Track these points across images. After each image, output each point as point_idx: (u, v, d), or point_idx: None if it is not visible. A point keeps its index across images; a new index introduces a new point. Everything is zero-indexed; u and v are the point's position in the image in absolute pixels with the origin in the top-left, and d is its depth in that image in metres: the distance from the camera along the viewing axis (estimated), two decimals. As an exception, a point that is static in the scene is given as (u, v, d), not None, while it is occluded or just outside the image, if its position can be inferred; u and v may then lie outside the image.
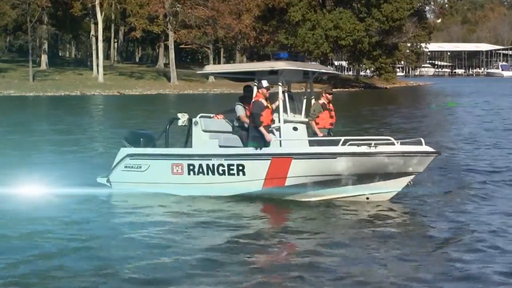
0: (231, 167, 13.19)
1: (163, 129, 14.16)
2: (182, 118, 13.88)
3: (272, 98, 13.44)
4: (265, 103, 13.14)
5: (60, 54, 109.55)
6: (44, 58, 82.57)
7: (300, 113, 13.90)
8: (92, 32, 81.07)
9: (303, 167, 12.76)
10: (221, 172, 13.27)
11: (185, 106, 51.72)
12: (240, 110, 14.04)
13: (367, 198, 12.92)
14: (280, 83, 13.49)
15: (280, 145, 13.13)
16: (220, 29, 79.70)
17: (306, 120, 13.86)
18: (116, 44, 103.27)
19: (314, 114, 13.88)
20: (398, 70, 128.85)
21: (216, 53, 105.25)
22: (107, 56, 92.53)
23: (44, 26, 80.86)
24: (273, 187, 12.95)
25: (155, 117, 35.59)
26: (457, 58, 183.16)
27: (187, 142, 14.03)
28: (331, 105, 14.29)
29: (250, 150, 13.11)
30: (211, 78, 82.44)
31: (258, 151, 12.99)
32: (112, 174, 14.19)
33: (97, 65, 77.50)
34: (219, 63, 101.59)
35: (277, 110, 13.35)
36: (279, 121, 13.28)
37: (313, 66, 15.54)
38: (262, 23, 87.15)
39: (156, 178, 13.70)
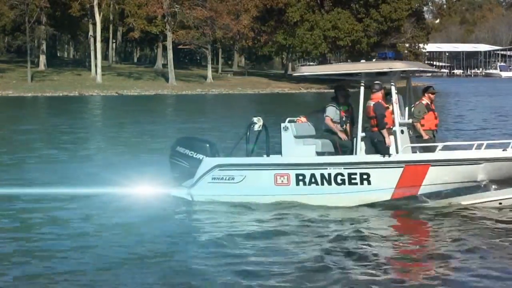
0: (353, 176, 12.24)
1: (241, 136, 13.13)
2: (258, 123, 12.83)
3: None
4: (385, 104, 12.52)
5: (58, 54, 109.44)
6: (43, 58, 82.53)
7: (403, 115, 13.06)
8: (91, 33, 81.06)
9: (441, 174, 12.02)
10: (339, 181, 12.28)
11: (185, 106, 51.76)
12: (332, 112, 13.17)
13: (500, 204, 12.25)
14: (393, 84, 12.79)
15: (397, 151, 12.20)
16: (219, 30, 79.71)
17: (410, 121, 13.16)
18: (114, 44, 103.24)
19: (419, 115, 13.37)
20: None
21: (215, 54, 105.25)
22: (105, 57, 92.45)
23: (42, 27, 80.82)
24: (404, 196, 12.13)
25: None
26: (455, 58, 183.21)
27: (253, 150, 13.05)
28: (433, 105, 13.81)
29: (377, 157, 12.19)
30: (209, 79, 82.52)
31: (387, 159, 12.10)
32: (195, 187, 12.91)
33: (96, 66, 77.51)
34: (217, 63, 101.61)
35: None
36: (393, 125, 12.44)
37: (420, 65, 14.84)
38: (260, 23, 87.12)
39: (254, 190, 12.57)
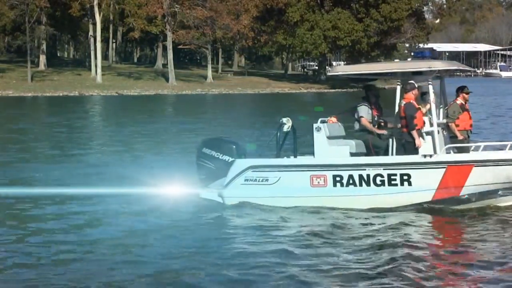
0: (393, 177, 12.06)
1: (273, 136, 12.94)
2: (287, 124, 12.68)
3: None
4: (417, 105, 12.41)
5: (58, 54, 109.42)
6: (43, 58, 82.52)
7: (438, 115, 12.90)
8: (91, 33, 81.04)
9: (484, 175, 11.88)
10: (379, 182, 12.11)
11: (186, 106, 51.77)
12: (365, 112, 12.99)
13: None
14: (430, 83, 12.59)
15: (435, 152, 12.09)
16: (219, 30, 79.70)
17: (444, 122, 13.08)
18: (114, 44, 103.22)
19: (454, 115, 13.26)
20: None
21: (215, 54, 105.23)
22: (105, 57, 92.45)
23: (42, 27, 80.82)
24: (445, 197, 12.00)
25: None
26: (455, 58, 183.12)
27: (281, 150, 12.86)
28: (467, 105, 13.69)
29: (417, 158, 12.05)
30: (209, 79, 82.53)
31: (428, 159, 11.95)
32: (227, 188, 12.69)
33: (96, 66, 77.51)
34: (217, 63, 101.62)
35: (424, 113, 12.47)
36: (430, 125, 12.32)
37: (458, 65, 14.63)
38: (260, 23, 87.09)
39: (289, 192, 12.37)
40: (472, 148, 12.51)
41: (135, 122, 34.40)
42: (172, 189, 13.28)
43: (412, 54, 17.50)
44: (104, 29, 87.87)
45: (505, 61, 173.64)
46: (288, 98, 67.98)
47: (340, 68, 14.28)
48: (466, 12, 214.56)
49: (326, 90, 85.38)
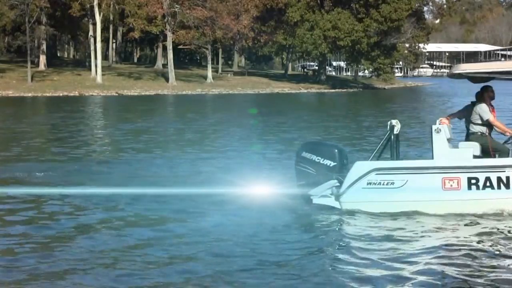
0: None
1: (384, 139, 12.32)
2: (397, 126, 12.14)
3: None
4: None
5: (58, 54, 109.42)
6: (43, 58, 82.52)
7: None
8: (91, 33, 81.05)
9: None
10: None
11: (186, 106, 51.77)
12: (488, 113, 12.37)
13: None
14: None
15: None
16: (219, 30, 79.69)
17: None
18: (114, 44, 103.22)
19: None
20: (396, 70, 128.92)
21: (215, 54, 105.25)
22: (105, 57, 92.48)
23: (42, 27, 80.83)
24: None
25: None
26: (455, 58, 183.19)
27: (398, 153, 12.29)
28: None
29: None
30: (210, 79, 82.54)
31: None
32: (347, 193, 11.99)
33: (96, 66, 77.51)
34: (217, 63, 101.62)
35: None
36: None
37: None
38: (260, 23, 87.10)
39: (418, 195, 11.65)
40: None
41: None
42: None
43: None
44: (104, 29, 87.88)
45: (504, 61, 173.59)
46: (288, 98, 68.00)
47: (467, 66, 13.14)
48: (466, 12, 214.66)
49: (326, 90, 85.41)
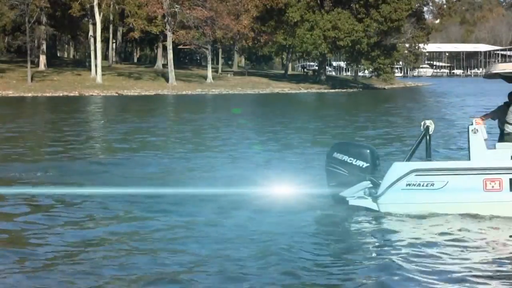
0: None
1: (419, 140, 12.15)
2: (431, 126, 11.97)
3: None
4: None
5: (58, 54, 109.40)
6: (43, 58, 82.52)
7: None
8: (91, 33, 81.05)
9: None
10: None
11: (189, 106, 51.77)
12: None
13: None
14: None
15: None
16: (219, 30, 79.70)
17: None
18: (114, 44, 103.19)
19: None
20: (396, 70, 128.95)
21: (215, 54, 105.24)
22: (105, 57, 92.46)
23: (42, 27, 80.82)
24: None
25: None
26: (455, 58, 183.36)
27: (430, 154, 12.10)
28: None
29: None
30: (210, 79, 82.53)
31: None
32: (385, 194, 11.75)
33: (96, 66, 77.51)
34: (217, 64, 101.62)
35: None
36: None
37: None
38: (260, 23, 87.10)
39: (458, 196, 11.44)
40: None
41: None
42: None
43: None
44: (104, 29, 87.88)
45: (505, 61, 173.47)
46: (288, 98, 68.01)
47: (505, 66, 12.72)
48: (466, 13, 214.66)
49: (326, 90, 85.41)
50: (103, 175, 16.41)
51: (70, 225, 11.22)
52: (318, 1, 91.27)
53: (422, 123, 12.05)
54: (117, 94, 69.43)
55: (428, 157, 12.06)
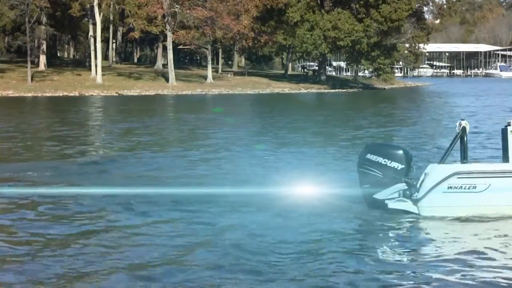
0: None
1: (455, 141, 11.88)
2: (467, 127, 11.79)
3: None
4: None
5: (58, 54, 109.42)
6: (43, 58, 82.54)
7: None
8: (91, 33, 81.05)
9: None
10: None
11: (189, 106, 51.77)
12: None
13: None
14: None
15: None
16: (219, 30, 79.69)
17: None
18: (114, 44, 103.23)
19: None
20: (396, 70, 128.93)
21: (215, 54, 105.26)
22: (105, 57, 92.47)
23: (42, 27, 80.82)
24: None
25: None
26: (455, 58, 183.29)
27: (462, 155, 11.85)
28: None
29: None
30: (210, 79, 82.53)
31: None
32: (426, 197, 11.51)
33: (96, 66, 77.51)
34: (217, 64, 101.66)
35: None
36: None
37: None
38: (260, 23, 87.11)
39: (501, 200, 11.29)
40: None
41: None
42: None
43: None
44: (104, 29, 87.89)
45: (505, 61, 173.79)
46: (288, 98, 67.99)
47: None
48: (466, 13, 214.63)
49: (326, 90, 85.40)
50: (102, 175, 16.38)
51: (68, 224, 11.18)
52: (318, 1, 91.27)
53: (458, 124, 11.81)
54: (117, 94, 69.42)
55: (465, 159, 11.82)
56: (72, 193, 13.75)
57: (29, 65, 72.17)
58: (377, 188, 11.88)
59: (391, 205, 11.70)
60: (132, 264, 8.87)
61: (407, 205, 11.66)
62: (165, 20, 78.89)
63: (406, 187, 11.77)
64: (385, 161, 11.86)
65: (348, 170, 15.48)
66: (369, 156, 12.03)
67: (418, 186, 11.77)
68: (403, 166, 11.86)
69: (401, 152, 12.04)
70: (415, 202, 11.60)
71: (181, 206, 12.45)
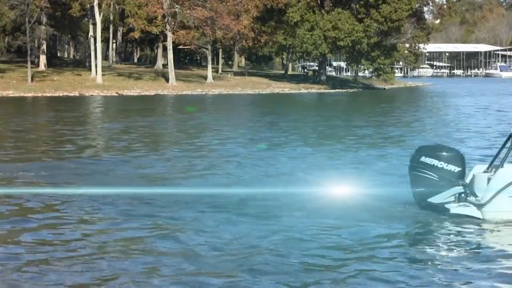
0: None
1: (505, 142, 11.66)
2: None
3: None
4: None
5: (58, 55, 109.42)
6: (43, 58, 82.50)
7: None
8: (91, 33, 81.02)
9: None
10: None
11: (189, 106, 51.73)
12: None
13: None
14: None
15: None
16: (219, 30, 79.67)
17: None
18: (114, 44, 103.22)
19: None
20: (396, 71, 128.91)
21: (215, 54, 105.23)
22: (105, 57, 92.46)
23: (42, 27, 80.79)
24: None
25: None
26: (455, 58, 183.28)
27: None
28: None
29: None
30: (210, 79, 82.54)
31: None
32: (492, 202, 11.08)
33: (96, 66, 77.48)
34: (217, 64, 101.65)
35: None
36: None
37: None
38: (260, 23, 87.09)
39: None
40: None
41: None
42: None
43: None
44: (104, 29, 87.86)
45: (505, 62, 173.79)
46: (288, 98, 67.97)
47: None
48: (466, 13, 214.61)
49: (326, 91, 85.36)
50: (102, 175, 16.33)
51: (66, 224, 11.16)
52: (318, 1, 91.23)
53: None
54: (117, 94, 69.39)
55: (503, 162, 11.42)
56: (71, 193, 13.69)
57: (29, 65, 72.13)
58: (432, 192, 11.56)
59: (454, 210, 11.31)
60: (135, 269, 8.79)
61: (471, 210, 11.27)
62: (165, 20, 78.88)
63: (462, 191, 11.48)
64: (441, 164, 11.47)
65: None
66: (423, 159, 11.63)
67: (473, 189, 11.49)
68: (460, 168, 11.52)
69: (457, 154, 11.72)
70: (479, 206, 11.21)
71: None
